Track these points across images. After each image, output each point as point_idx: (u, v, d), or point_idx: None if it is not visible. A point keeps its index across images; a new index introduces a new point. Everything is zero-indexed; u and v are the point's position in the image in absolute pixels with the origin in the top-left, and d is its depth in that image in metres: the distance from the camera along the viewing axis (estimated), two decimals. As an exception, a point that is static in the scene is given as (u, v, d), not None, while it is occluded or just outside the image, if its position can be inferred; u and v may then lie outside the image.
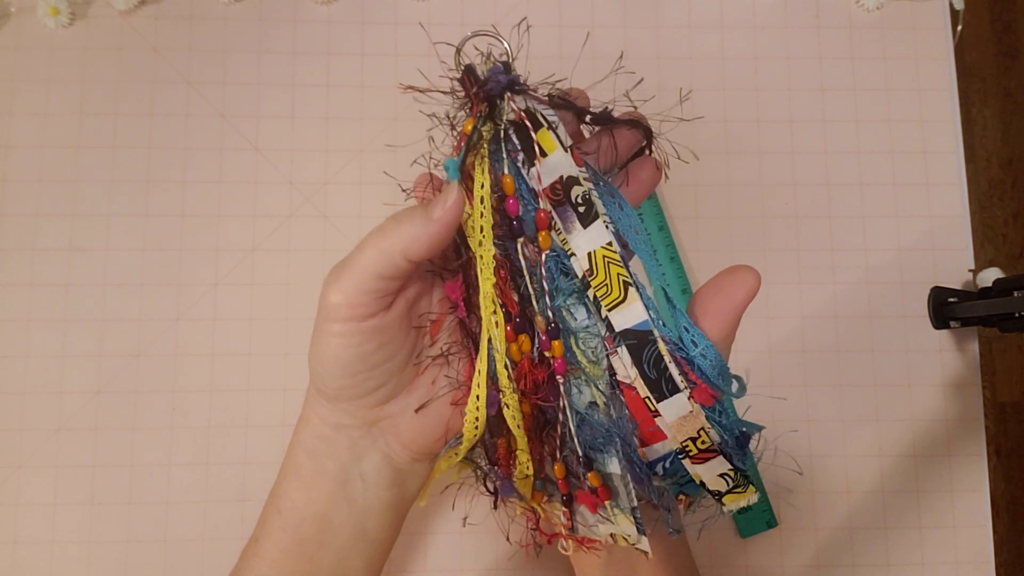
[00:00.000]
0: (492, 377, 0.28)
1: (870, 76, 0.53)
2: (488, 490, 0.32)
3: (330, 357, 0.27)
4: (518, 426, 0.28)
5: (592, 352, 0.28)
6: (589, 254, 0.27)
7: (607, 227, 0.27)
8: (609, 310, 0.27)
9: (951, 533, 0.49)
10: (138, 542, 0.47)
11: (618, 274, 0.27)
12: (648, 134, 0.30)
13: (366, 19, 0.52)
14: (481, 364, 0.27)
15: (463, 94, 0.27)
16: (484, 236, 0.27)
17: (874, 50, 0.54)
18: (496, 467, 0.30)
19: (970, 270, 0.52)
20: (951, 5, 0.54)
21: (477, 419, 0.28)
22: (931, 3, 0.54)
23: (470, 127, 0.27)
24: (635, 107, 0.31)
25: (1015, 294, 0.47)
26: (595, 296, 0.27)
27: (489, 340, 0.27)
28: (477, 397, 0.28)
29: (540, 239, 0.27)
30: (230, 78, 0.51)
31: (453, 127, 0.28)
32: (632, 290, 0.27)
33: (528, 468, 0.29)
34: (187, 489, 0.47)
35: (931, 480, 0.50)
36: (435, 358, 0.30)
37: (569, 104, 0.28)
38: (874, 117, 0.53)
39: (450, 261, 0.29)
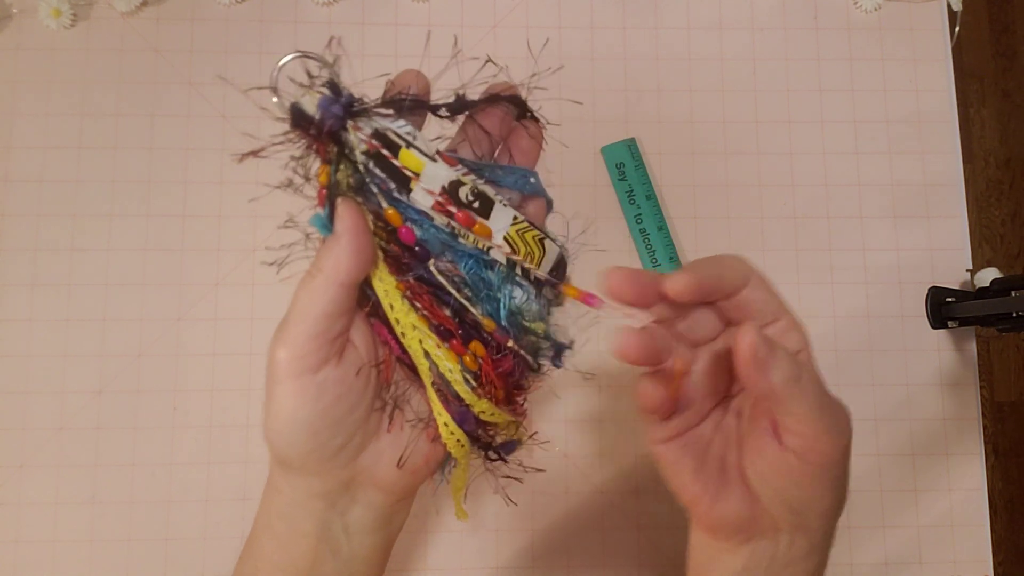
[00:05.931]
0: (454, 395, 0.27)
1: (868, 77, 0.54)
2: (492, 458, 0.31)
3: (288, 419, 0.26)
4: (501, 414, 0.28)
5: (536, 314, 0.28)
6: (505, 238, 0.27)
7: (505, 205, 0.27)
8: (536, 268, 0.27)
9: (949, 532, 0.49)
10: (139, 541, 0.47)
11: (533, 236, 0.27)
12: (516, 102, 0.28)
13: (367, 20, 0.52)
14: (431, 392, 0.27)
15: (302, 139, 0.25)
16: (380, 271, 0.26)
17: (872, 51, 0.54)
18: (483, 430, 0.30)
19: (968, 270, 0.52)
20: (949, 6, 0.54)
21: (459, 440, 0.28)
22: (929, 4, 0.54)
23: (325, 177, 0.25)
24: (511, 81, 0.29)
25: (1013, 294, 0.48)
26: (522, 268, 0.27)
27: (433, 363, 0.27)
28: (446, 424, 0.27)
29: (473, 237, 0.26)
30: (231, 79, 0.51)
31: (308, 178, 0.26)
32: (547, 241, 0.28)
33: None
34: (188, 488, 0.48)
35: (929, 479, 0.50)
36: (392, 401, 0.29)
37: (418, 104, 0.26)
38: (872, 118, 0.53)
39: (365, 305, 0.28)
